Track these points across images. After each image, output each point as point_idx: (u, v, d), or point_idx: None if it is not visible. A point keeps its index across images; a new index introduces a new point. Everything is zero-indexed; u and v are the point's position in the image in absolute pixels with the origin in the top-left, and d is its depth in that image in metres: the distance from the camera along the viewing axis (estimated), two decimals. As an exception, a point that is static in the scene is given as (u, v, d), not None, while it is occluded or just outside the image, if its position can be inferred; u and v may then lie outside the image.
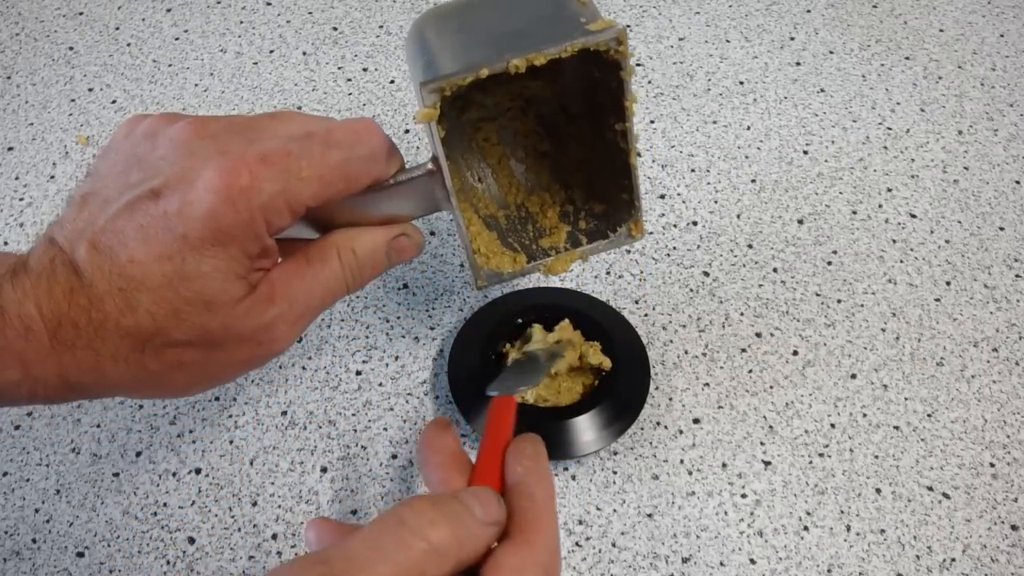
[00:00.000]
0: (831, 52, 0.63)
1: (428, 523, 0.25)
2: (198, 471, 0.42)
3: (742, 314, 0.48)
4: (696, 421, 0.44)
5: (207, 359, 0.29)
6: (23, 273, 0.27)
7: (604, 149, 0.36)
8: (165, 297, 0.27)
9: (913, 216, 0.53)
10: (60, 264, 0.27)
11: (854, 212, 0.53)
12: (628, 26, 0.65)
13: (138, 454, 0.43)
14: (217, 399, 0.45)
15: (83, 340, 0.27)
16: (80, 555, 0.40)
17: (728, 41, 0.64)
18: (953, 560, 0.39)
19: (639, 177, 0.35)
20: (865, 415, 0.44)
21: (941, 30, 0.65)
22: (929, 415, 0.44)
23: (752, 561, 0.39)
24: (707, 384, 0.45)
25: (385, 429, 0.43)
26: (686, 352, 0.46)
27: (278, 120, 0.30)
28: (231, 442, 0.43)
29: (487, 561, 0.26)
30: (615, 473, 0.42)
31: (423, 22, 0.33)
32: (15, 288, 0.27)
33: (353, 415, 0.44)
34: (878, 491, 0.41)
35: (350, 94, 0.60)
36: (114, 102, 0.60)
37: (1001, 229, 0.52)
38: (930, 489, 0.41)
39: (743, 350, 0.46)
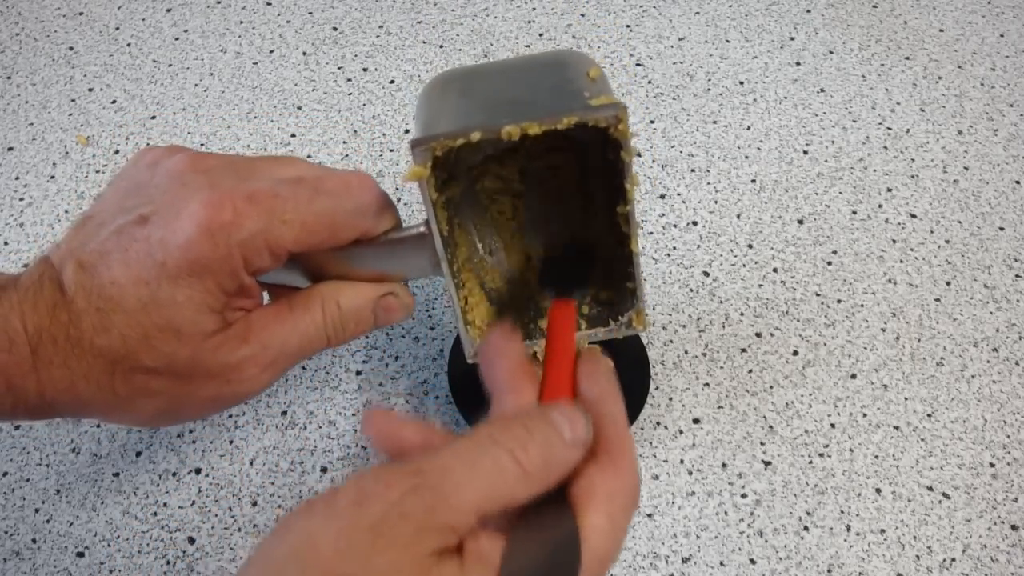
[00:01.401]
0: (831, 52, 0.63)
1: (520, 447, 0.24)
2: (198, 471, 0.42)
3: (742, 314, 0.48)
4: (696, 421, 0.44)
5: (174, 390, 0.29)
6: (12, 289, 0.27)
7: (618, 235, 0.35)
8: (138, 321, 0.27)
9: (913, 216, 0.53)
10: (48, 280, 0.27)
11: (854, 212, 0.53)
12: (628, 26, 0.65)
13: (138, 454, 0.43)
14: (217, 399, 0.45)
15: (60, 357, 0.27)
16: (80, 555, 0.40)
17: (728, 41, 0.64)
18: (953, 560, 0.39)
19: (641, 266, 0.33)
20: (865, 415, 0.44)
21: (941, 30, 0.65)
22: (929, 415, 0.44)
23: (752, 561, 0.39)
24: (707, 384, 0.45)
25: (385, 429, 0.43)
26: (686, 352, 0.46)
27: (278, 164, 0.31)
28: (231, 442, 0.43)
29: (577, 483, 0.26)
30: (615, 473, 0.42)
31: (431, 85, 0.33)
32: (2, 302, 0.27)
33: (353, 415, 0.44)
34: (878, 491, 0.41)
35: (350, 94, 0.60)
36: (114, 102, 0.60)
37: (1001, 229, 0.52)
38: (930, 489, 0.41)
39: (743, 350, 0.46)
